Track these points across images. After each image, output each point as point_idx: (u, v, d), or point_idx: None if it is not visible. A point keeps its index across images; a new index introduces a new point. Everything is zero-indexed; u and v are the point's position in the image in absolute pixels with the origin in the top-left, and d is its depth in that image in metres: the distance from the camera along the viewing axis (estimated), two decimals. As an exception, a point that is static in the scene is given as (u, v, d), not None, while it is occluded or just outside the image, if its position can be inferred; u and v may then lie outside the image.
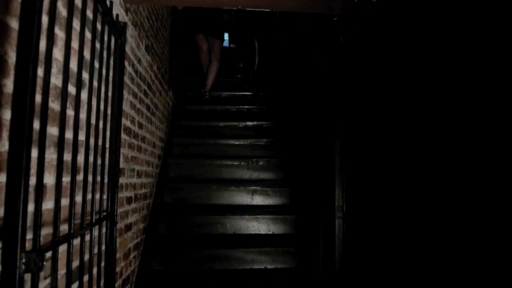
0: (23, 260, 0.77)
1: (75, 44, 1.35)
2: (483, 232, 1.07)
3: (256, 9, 2.09)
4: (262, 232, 3.01)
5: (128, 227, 2.24)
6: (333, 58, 2.25)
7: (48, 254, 1.10)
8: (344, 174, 2.03)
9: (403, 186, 1.52)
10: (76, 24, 1.33)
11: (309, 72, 2.91)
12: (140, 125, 2.52)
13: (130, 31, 2.22)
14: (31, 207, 0.95)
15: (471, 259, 1.11)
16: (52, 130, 1.21)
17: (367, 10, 1.89)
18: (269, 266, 2.74)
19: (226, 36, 7.07)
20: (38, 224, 0.89)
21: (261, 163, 3.53)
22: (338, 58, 2.21)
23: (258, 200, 3.26)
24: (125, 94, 2.11)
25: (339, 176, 2.02)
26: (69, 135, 1.32)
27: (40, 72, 1.02)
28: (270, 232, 3.02)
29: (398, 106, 1.60)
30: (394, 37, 1.64)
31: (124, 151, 2.10)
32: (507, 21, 0.99)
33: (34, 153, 0.94)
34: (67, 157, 1.34)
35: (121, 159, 2.03)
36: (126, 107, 2.13)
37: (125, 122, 2.12)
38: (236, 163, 3.52)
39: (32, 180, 0.98)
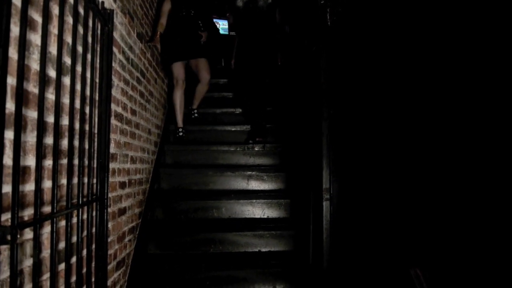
0: (-2, 233, 0.82)
1: (57, 31, 1.38)
2: (472, 212, 1.10)
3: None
4: (257, 216, 3.06)
5: (122, 211, 2.29)
6: (322, 42, 2.25)
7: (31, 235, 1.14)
8: (331, 157, 2.06)
9: (386, 167, 1.54)
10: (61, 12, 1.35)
11: (302, 58, 2.92)
12: (133, 112, 2.55)
13: (120, 19, 2.24)
14: (9, 188, 0.99)
15: (458, 238, 1.14)
16: (35, 114, 1.25)
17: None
18: (263, 249, 2.79)
19: (225, 23, 6.94)
20: (16, 202, 0.93)
21: (256, 149, 3.56)
22: (326, 41, 2.21)
23: (254, 185, 3.30)
24: (116, 81, 2.14)
25: (326, 158, 2.04)
26: (53, 119, 1.36)
27: (25, 59, 1.05)
28: (265, 216, 3.06)
29: (383, 90, 1.61)
30: (378, 19, 1.65)
31: (115, 136, 2.14)
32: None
33: (12, 134, 0.98)
34: (52, 141, 1.38)
35: (113, 145, 2.07)
36: (117, 93, 2.17)
37: (116, 108, 2.15)
38: (232, 149, 3.56)
39: (10, 161, 1.02)
